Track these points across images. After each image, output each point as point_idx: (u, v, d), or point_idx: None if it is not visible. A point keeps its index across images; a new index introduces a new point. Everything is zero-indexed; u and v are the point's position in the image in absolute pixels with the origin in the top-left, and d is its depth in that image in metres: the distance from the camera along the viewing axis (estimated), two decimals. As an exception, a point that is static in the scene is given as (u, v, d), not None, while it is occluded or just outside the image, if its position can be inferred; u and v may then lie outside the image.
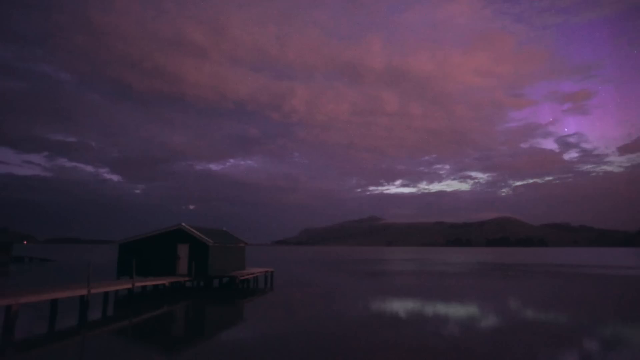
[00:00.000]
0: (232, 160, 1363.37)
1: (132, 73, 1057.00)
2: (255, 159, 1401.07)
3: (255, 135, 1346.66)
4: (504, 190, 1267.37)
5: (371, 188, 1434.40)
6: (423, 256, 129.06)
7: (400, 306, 23.52)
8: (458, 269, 62.28)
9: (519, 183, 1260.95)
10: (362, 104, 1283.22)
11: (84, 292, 19.71)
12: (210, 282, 31.60)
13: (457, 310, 22.01)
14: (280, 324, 17.89)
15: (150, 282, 25.94)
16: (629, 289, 34.78)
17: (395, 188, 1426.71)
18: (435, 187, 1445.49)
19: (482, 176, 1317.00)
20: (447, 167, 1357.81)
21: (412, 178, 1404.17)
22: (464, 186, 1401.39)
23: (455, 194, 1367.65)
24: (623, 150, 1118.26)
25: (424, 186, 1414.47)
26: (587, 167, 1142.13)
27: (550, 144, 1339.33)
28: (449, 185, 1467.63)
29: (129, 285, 23.99)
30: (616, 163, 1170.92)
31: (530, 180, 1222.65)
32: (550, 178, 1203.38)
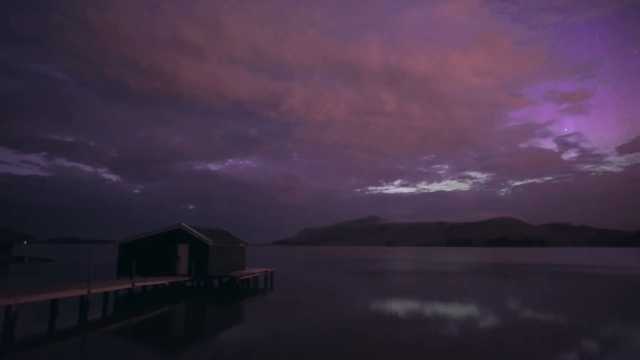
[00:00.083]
0: (230, 160, 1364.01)
1: (129, 73, 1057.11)
2: (254, 158, 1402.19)
3: (253, 135, 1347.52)
4: (503, 190, 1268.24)
5: (370, 188, 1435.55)
6: (423, 256, 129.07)
7: (400, 306, 23.53)
8: (458, 269, 62.29)
9: (518, 183, 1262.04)
10: (360, 104, 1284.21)
11: (84, 292, 19.70)
12: (210, 282, 31.60)
13: (456, 310, 22.01)
14: (280, 324, 17.90)
15: (150, 282, 25.94)
16: (628, 289, 34.79)
17: (394, 188, 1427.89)
18: (434, 187, 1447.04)
19: (481, 176, 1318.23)
20: (446, 167, 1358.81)
21: (411, 178, 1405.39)
22: (464, 186, 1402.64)
23: (454, 194, 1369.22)
24: (622, 150, 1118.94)
25: (423, 186, 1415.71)
26: (587, 167, 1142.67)
27: (549, 144, 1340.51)
28: (448, 185, 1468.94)
29: (129, 285, 24.00)
30: (615, 163, 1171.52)
31: (530, 180, 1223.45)
32: (549, 178, 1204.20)
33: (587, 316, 20.75)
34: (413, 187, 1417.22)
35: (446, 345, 13.98)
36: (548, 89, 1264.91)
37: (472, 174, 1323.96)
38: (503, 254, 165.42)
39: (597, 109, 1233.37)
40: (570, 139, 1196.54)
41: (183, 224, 30.79)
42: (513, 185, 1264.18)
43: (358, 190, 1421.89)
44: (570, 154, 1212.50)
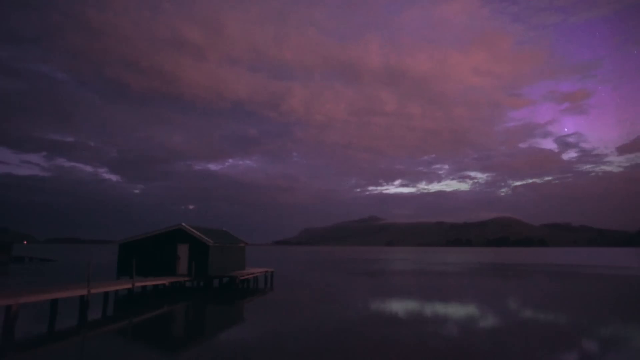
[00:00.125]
0: (230, 160, 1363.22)
1: (129, 73, 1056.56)
2: (254, 158, 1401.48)
3: (253, 135, 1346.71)
4: (503, 190, 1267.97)
5: (370, 188, 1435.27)
6: (423, 256, 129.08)
7: (400, 306, 23.53)
8: (458, 269, 62.29)
9: (518, 183, 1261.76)
10: (360, 104, 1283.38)
11: (84, 292, 19.70)
12: (210, 282, 31.59)
13: (456, 311, 22.01)
14: (280, 324, 17.90)
15: (150, 282, 25.94)
16: (628, 289, 34.79)
17: (394, 188, 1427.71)
18: (434, 187, 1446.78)
19: (481, 176, 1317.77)
20: (446, 167, 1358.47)
21: (411, 178, 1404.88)
22: (463, 186, 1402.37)
23: (454, 194, 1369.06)
24: (622, 150, 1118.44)
25: (423, 186, 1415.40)
26: (587, 167, 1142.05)
27: (549, 144, 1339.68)
28: (448, 185, 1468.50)
29: (129, 285, 24.00)
30: (615, 163, 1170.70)
31: (530, 180, 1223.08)
32: (549, 178, 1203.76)
33: (587, 316, 20.75)
34: (413, 187, 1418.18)
35: (446, 345, 13.98)
36: (548, 89, 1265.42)
37: (472, 174, 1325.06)
38: (503, 254, 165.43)
39: (597, 109, 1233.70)
40: (570, 139, 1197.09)
41: (183, 224, 30.79)
42: (513, 185, 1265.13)
43: (358, 190, 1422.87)
44: (570, 154, 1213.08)
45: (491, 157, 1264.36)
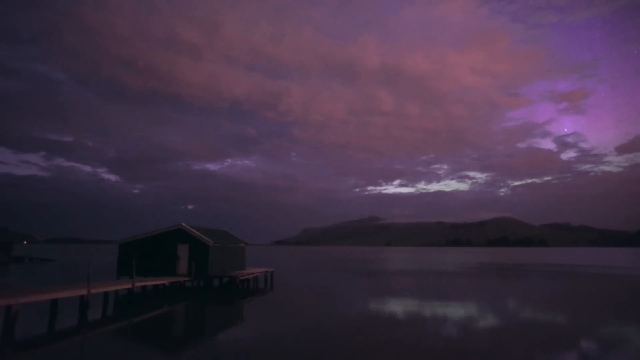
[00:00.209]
0: (229, 160, 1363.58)
1: (127, 73, 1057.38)
2: (252, 158, 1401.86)
3: (251, 135, 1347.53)
4: (502, 190, 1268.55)
5: (370, 188, 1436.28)
6: (423, 256, 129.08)
7: (400, 306, 23.53)
8: (458, 269, 62.29)
9: (517, 183, 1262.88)
10: (358, 104, 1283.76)
11: (84, 292, 19.71)
12: (210, 282, 31.60)
13: (456, 311, 22.01)
14: (280, 324, 17.90)
15: (150, 282, 25.94)
16: (628, 289, 34.79)
17: (393, 188, 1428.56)
18: (433, 187, 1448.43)
19: (480, 176, 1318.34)
20: (445, 167, 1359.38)
21: (411, 178, 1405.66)
22: (463, 186, 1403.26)
23: (454, 194, 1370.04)
24: (621, 150, 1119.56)
25: (423, 186, 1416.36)
26: (586, 167, 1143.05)
27: (548, 144, 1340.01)
28: (448, 185, 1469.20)
29: (129, 285, 24.00)
30: (615, 163, 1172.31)
31: (529, 180, 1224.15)
32: (548, 178, 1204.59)
33: (587, 316, 20.75)
34: (412, 187, 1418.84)
35: (446, 346, 13.98)
36: (546, 88, 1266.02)
37: (471, 174, 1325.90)
38: (503, 254, 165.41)
39: (595, 108, 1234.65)
40: (569, 139, 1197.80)
41: (183, 224, 30.80)
42: (512, 185, 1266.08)
43: (357, 190, 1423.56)
44: (569, 154, 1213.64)
45: (490, 157, 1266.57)
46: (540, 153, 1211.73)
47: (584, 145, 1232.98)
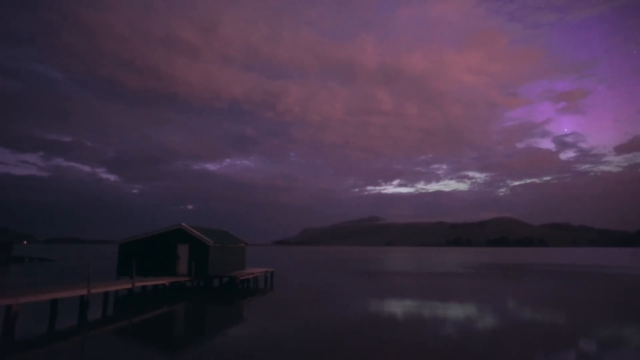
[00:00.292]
0: (228, 160, 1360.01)
1: (124, 72, 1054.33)
2: (251, 158, 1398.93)
3: (250, 135, 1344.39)
4: (502, 190, 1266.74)
5: (369, 188, 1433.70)
6: (423, 256, 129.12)
7: (399, 306, 23.54)
8: (458, 269, 62.31)
9: (516, 183, 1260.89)
10: (356, 104, 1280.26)
11: (84, 292, 19.72)
12: (210, 282, 31.61)
13: (455, 311, 22.02)
14: (280, 324, 17.91)
15: (150, 282, 25.95)
16: (628, 289, 34.80)
17: (393, 188, 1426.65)
18: (433, 187, 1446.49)
19: (479, 176, 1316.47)
20: (445, 167, 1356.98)
21: (410, 178, 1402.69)
22: (462, 186, 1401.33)
23: (453, 193, 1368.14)
24: (620, 150, 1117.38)
25: (422, 186, 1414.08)
26: (585, 167, 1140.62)
27: (546, 144, 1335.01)
28: (447, 185, 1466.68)
29: (129, 285, 24.01)
30: (614, 163, 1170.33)
31: (528, 180, 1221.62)
32: (548, 178, 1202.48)
33: (587, 316, 20.76)
34: (411, 187, 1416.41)
35: (446, 346, 13.99)
36: (545, 88, 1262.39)
37: (471, 173, 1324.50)
38: (503, 254, 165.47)
39: (594, 108, 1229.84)
40: (568, 139, 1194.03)
41: (183, 224, 30.81)
42: (512, 185, 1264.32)
43: (356, 190, 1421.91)
44: (568, 154, 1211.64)
45: (489, 157, 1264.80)
46: (539, 153, 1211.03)
47: (583, 145, 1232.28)
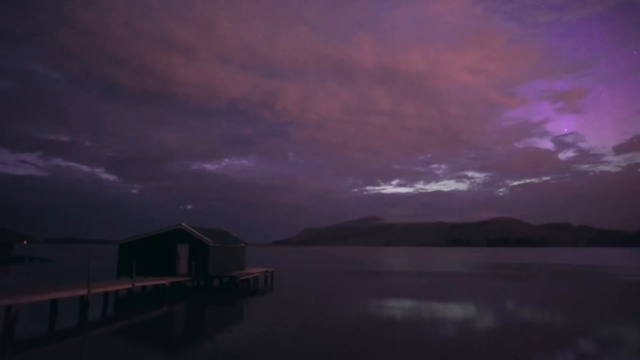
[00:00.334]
0: (227, 160, 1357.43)
1: (121, 72, 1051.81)
2: (250, 158, 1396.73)
3: (249, 135, 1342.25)
4: (501, 190, 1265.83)
5: (368, 188, 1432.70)
6: (422, 256, 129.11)
7: (399, 306, 23.54)
8: (458, 269, 62.31)
9: (516, 183, 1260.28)
10: (354, 103, 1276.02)
11: (84, 292, 19.71)
12: (210, 282, 31.60)
13: (456, 311, 22.02)
14: (280, 324, 17.91)
15: (150, 282, 25.95)
16: (628, 289, 34.79)
17: (392, 188, 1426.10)
18: (432, 187, 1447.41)
19: (479, 176, 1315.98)
20: (444, 166, 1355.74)
21: (409, 178, 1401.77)
22: (462, 186, 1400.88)
23: (453, 193, 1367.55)
24: (619, 149, 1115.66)
25: (421, 186, 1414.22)
26: (584, 167, 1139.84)
27: (545, 144, 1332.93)
28: (446, 185, 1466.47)
29: (129, 285, 24.00)
30: (613, 163, 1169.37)
31: (528, 180, 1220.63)
32: (547, 178, 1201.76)
33: (587, 316, 20.76)
34: (411, 187, 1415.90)
35: (445, 346, 13.99)
36: (542, 87, 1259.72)
37: (470, 173, 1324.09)
38: (503, 254, 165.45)
39: (593, 108, 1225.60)
40: (567, 139, 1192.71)
41: (183, 224, 30.79)
42: (511, 185, 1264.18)
43: (356, 190, 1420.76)
44: (567, 154, 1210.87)
45: (488, 157, 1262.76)
46: (538, 153, 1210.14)
47: (582, 145, 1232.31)
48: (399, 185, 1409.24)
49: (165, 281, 27.19)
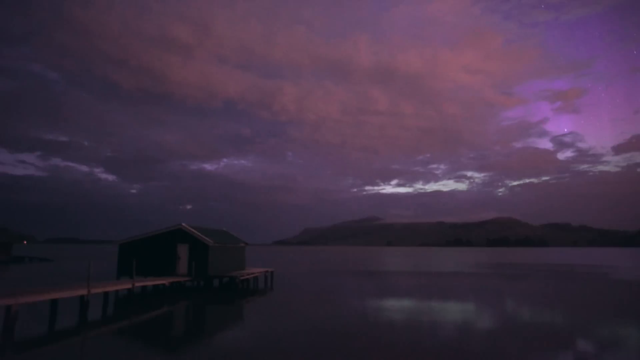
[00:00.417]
0: (225, 160, 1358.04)
1: (119, 72, 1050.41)
2: (249, 158, 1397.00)
3: (247, 135, 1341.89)
4: (500, 190, 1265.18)
5: (367, 188, 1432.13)
6: (422, 256, 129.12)
7: (399, 306, 23.54)
8: (458, 269, 62.32)
9: (515, 183, 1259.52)
10: (352, 103, 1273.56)
11: (84, 292, 19.72)
12: (210, 282, 31.61)
13: (455, 311, 22.02)
14: (280, 324, 17.91)
15: (150, 282, 25.96)
16: (628, 289, 34.79)
17: (391, 188, 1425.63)
18: (431, 187, 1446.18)
19: (478, 176, 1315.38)
20: (443, 166, 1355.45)
21: (408, 178, 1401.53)
22: (461, 186, 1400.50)
23: (452, 193, 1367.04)
24: (618, 149, 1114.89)
25: (420, 186, 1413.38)
26: (583, 166, 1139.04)
27: (544, 144, 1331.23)
28: (446, 185, 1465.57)
29: (129, 285, 24.01)
30: (612, 163, 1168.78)
31: (527, 180, 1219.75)
32: (546, 178, 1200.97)
33: (587, 316, 20.76)
34: (410, 187, 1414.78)
35: (445, 346, 13.99)
36: (541, 87, 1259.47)
37: (469, 173, 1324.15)
38: (503, 254, 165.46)
39: (591, 107, 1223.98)
40: (566, 139, 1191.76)
41: (183, 224, 30.81)
42: (510, 185, 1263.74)
43: (355, 190, 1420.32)
44: (566, 154, 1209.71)
45: (487, 157, 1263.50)
46: (537, 153, 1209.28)
47: (581, 145, 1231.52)
48: (398, 185, 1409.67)
49: (165, 281, 27.20)
